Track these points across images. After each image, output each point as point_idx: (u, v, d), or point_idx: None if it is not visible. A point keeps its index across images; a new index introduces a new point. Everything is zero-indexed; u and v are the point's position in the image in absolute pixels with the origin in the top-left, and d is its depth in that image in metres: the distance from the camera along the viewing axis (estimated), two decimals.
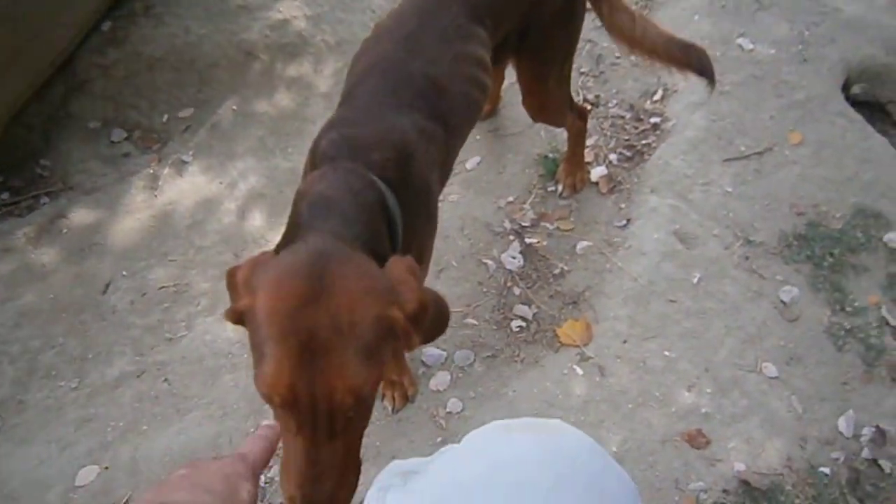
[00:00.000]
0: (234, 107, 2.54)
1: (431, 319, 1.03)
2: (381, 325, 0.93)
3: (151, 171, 2.40)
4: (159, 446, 1.91)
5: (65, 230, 2.27)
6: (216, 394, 2.00)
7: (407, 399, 1.98)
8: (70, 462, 1.89)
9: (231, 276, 1.04)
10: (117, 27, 2.52)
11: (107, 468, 1.88)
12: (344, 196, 1.13)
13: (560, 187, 2.35)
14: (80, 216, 2.30)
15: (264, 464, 0.77)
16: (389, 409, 1.96)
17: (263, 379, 0.89)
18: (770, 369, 2.00)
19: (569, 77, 2.01)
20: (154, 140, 2.50)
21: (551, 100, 2.00)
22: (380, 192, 1.20)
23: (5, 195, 2.36)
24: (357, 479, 1.02)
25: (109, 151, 2.46)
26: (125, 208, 2.32)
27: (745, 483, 1.84)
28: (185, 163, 2.43)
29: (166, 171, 2.40)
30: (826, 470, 1.86)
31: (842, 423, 1.92)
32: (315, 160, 1.28)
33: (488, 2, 1.57)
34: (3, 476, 1.88)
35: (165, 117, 2.53)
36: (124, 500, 1.83)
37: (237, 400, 1.99)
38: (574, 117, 2.14)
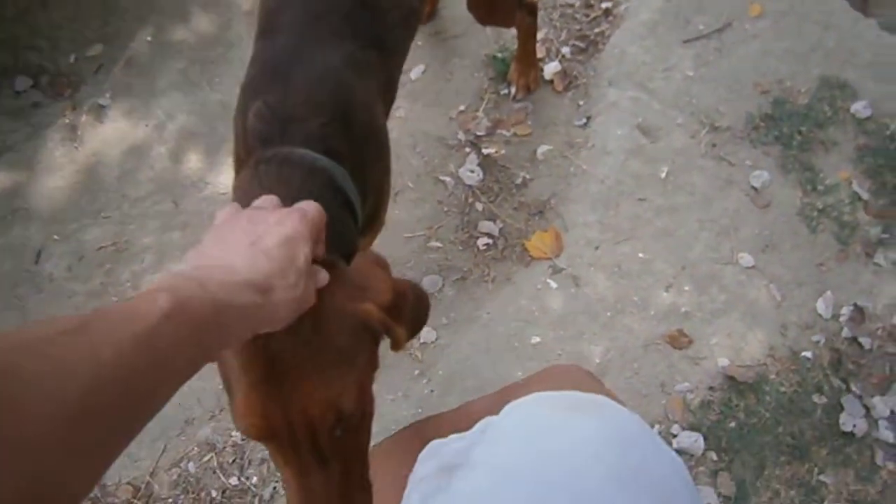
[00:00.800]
0: (148, 37, 2.29)
1: (412, 308, 0.91)
2: (353, 323, 0.81)
3: (67, 121, 2.18)
4: None
5: None
6: None
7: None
8: None
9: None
10: None
11: None
12: (290, 190, 0.98)
13: (513, 89, 2.20)
14: None
15: (321, 225, 0.76)
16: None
17: (237, 415, 0.78)
18: (746, 259, 1.95)
19: None
20: (64, 85, 2.25)
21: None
22: (327, 173, 1.04)
23: None
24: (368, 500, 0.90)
25: (15, 103, 2.22)
26: (45, 166, 2.12)
27: (731, 378, 1.82)
28: (102, 107, 2.20)
29: (84, 118, 2.18)
30: (808, 354, 1.85)
31: (820, 306, 1.90)
32: (246, 143, 1.10)
33: None
34: None
35: (73, 57, 2.27)
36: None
37: None
38: (523, 13, 1.97)
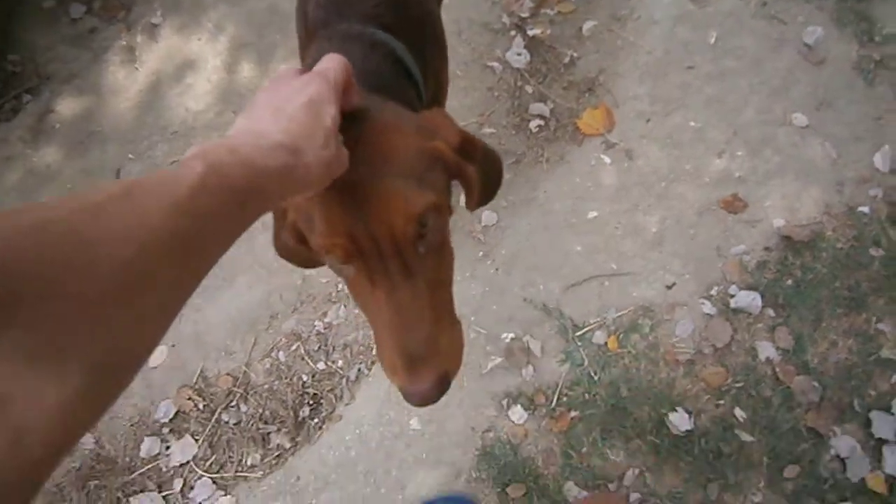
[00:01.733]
0: None
1: (483, 160, 0.96)
2: (426, 154, 0.86)
3: (124, 43, 2.26)
4: (217, 316, 1.97)
5: (57, 125, 2.19)
6: (255, 256, 2.02)
7: None
8: None
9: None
10: None
11: (174, 346, 1.97)
12: (353, 63, 1.03)
13: None
14: (68, 107, 2.21)
15: (345, 83, 0.76)
16: None
17: (321, 240, 0.83)
18: (800, 119, 1.95)
19: None
20: (116, 7, 2.32)
21: None
22: (387, 46, 1.10)
23: None
24: (459, 332, 0.94)
25: (73, 30, 2.30)
26: (110, 89, 2.22)
27: (786, 238, 1.86)
28: (155, 25, 2.27)
29: (139, 39, 2.26)
30: (865, 209, 1.87)
31: (878, 160, 1.90)
32: (307, 30, 1.17)
33: None
34: None
35: None
36: (199, 371, 1.93)
37: (277, 257, 2.01)
38: None
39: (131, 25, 2.28)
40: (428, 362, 0.86)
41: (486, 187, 0.99)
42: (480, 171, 0.93)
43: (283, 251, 1.00)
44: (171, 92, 2.20)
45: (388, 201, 0.81)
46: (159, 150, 2.14)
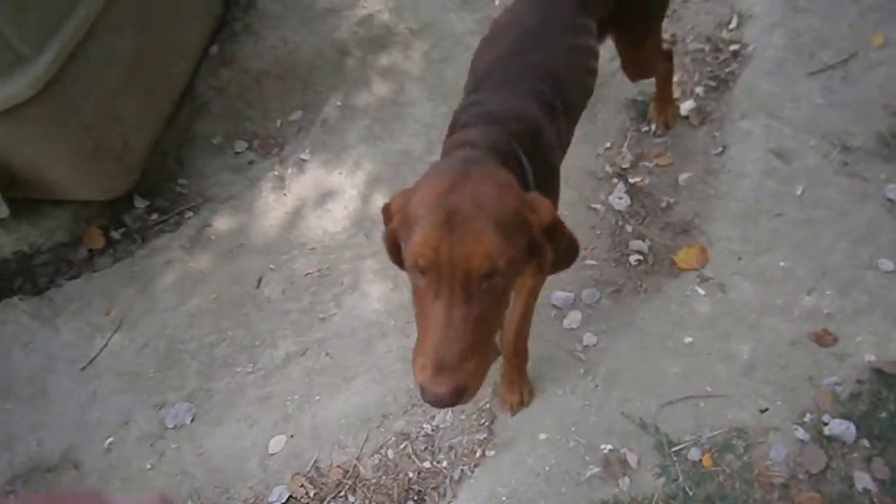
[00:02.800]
0: (339, 102, 2.76)
1: (566, 245, 1.20)
2: (518, 217, 1.09)
3: (276, 174, 2.65)
4: (334, 412, 2.15)
5: (213, 237, 2.54)
6: (374, 360, 2.23)
7: (523, 405, 2.06)
8: (260, 435, 2.16)
9: (386, 208, 1.23)
10: (224, 49, 2.77)
11: (292, 436, 2.14)
12: (486, 140, 1.31)
13: (653, 126, 2.48)
14: (223, 223, 2.57)
15: None
16: (510, 415, 2.06)
17: (412, 248, 1.05)
18: (886, 264, 2.10)
19: (660, 35, 2.12)
20: (273, 145, 2.74)
21: (649, 61, 2.14)
22: (516, 149, 1.38)
23: (154, 216, 2.64)
24: (489, 359, 1.13)
25: (236, 162, 2.72)
26: (260, 210, 2.58)
27: (879, 371, 1.95)
28: (304, 161, 2.66)
29: (289, 171, 2.64)
30: None
31: None
32: (456, 130, 1.47)
33: None
34: (208, 454, 2.15)
35: (279, 122, 2.77)
36: (313, 461, 2.08)
37: (393, 362, 2.21)
38: (663, 62, 2.26)
39: (283, 160, 2.68)
40: (453, 372, 1.06)
41: (555, 266, 1.23)
42: (555, 253, 1.18)
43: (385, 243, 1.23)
44: (312, 215, 2.53)
45: (477, 240, 1.04)
46: (297, 263, 2.44)
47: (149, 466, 2.14)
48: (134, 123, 2.36)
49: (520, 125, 1.42)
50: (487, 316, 1.11)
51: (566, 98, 1.61)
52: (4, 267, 2.50)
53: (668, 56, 2.29)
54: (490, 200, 1.07)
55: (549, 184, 1.54)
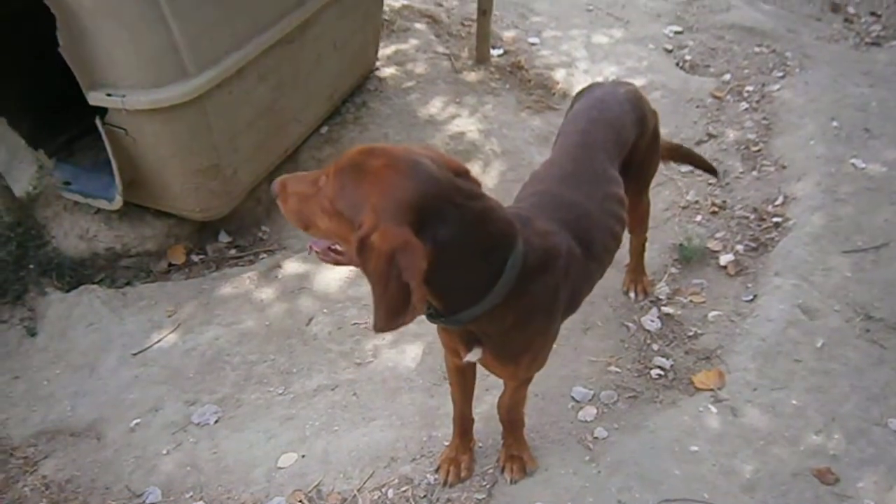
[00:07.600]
0: None
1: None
2: None
3: None
4: (347, 444, 2.27)
5: (279, 276, 2.81)
6: (396, 408, 2.36)
7: (525, 472, 2.14)
8: (274, 448, 2.27)
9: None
10: (332, 130, 3.20)
11: (303, 456, 2.25)
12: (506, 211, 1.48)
13: (632, 295, 2.68)
14: (292, 267, 2.84)
15: None
16: (508, 479, 2.13)
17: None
18: (895, 424, 2.19)
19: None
20: None
21: (645, 211, 2.46)
22: (512, 243, 1.42)
23: (233, 251, 2.95)
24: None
25: None
26: (327, 265, 2.84)
27: None
28: None
29: None
30: None
31: None
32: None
33: (617, 148, 2.00)
34: (221, 454, 2.27)
35: None
36: (316, 483, 2.17)
37: (413, 415, 2.35)
38: (641, 236, 2.58)
39: None
40: None
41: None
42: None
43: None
44: None
45: None
46: (348, 312, 2.67)
47: (164, 452, 2.27)
48: (247, 159, 2.73)
49: (541, 239, 1.53)
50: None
51: (593, 242, 1.75)
52: (94, 259, 2.80)
53: (643, 239, 2.61)
54: None
55: (537, 320, 1.61)
